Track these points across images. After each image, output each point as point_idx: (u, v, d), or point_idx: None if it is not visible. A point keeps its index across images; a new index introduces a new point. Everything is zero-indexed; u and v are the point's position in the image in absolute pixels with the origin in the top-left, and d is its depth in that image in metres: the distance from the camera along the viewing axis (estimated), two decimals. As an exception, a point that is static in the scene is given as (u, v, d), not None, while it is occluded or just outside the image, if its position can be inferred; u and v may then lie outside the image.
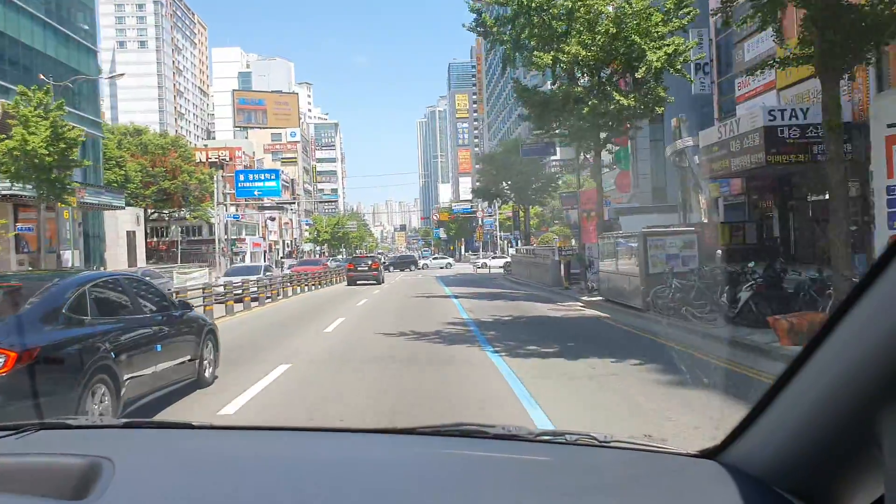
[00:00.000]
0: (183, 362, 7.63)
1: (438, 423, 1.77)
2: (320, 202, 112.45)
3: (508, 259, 41.62)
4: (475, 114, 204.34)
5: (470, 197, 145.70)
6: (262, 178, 47.00)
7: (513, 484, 1.36)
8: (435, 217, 79.54)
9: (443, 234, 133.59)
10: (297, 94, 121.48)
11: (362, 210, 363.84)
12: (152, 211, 66.73)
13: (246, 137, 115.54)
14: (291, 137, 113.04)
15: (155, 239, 70.97)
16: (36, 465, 1.41)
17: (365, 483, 1.38)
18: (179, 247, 65.40)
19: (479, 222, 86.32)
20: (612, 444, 1.55)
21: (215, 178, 49.43)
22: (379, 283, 38.13)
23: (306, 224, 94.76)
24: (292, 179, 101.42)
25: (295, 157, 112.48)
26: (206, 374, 8.32)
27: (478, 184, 47.89)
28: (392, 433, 1.84)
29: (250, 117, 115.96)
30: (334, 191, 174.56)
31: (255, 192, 46.99)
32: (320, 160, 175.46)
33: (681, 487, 1.33)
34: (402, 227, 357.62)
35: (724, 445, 1.34)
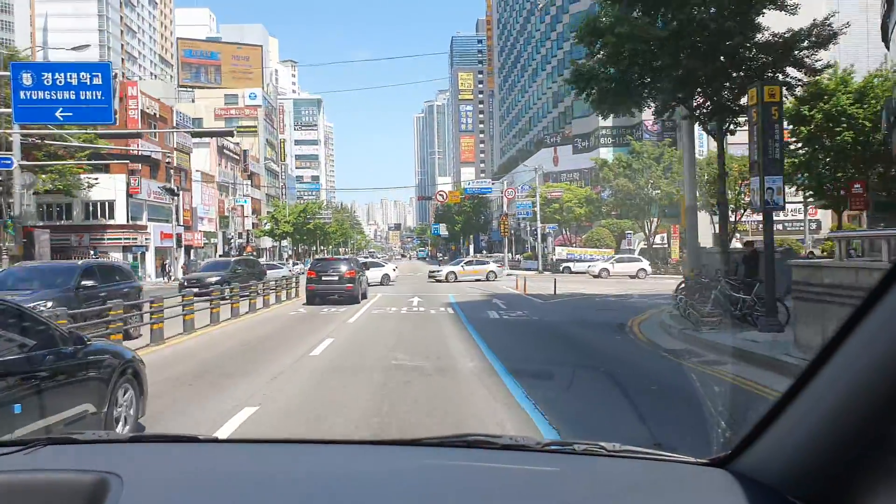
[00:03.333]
0: (75, 417, 5.35)
1: (444, 434, 1.75)
2: (276, 160, 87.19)
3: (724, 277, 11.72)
4: (480, 95, 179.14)
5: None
6: (72, 83, 21.27)
7: (521, 494, 1.35)
8: (440, 199, 53.12)
9: (443, 231, 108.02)
10: (261, 46, 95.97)
11: (356, 209, 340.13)
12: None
13: (192, 101, 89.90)
14: (251, 100, 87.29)
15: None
16: (45, 482, 1.40)
17: (372, 495, 1.36)
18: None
19: (503, 210, 60.14)
20: (620, 454, 1.52)
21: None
22: (357, 301, 22.84)
23: (244, 204, 68.21)
24: (244, 150, 75.40)
25: (254, 127, 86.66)
26: (120, 429, 5.89)
27: (571, 73, 19.63)
28: (398, 445, 1.84)
29: (199, 74, 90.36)
30: (315, 178, 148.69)
31: (59, 114, 21.28)
32: (299, 142, 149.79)
33: (691, 496, 1.32)
34: (397, 226, 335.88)
35: (736, 454, 1.32)
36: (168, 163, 52.92)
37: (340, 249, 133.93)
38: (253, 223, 77.25)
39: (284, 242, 77.19)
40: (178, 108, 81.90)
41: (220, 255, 60.70)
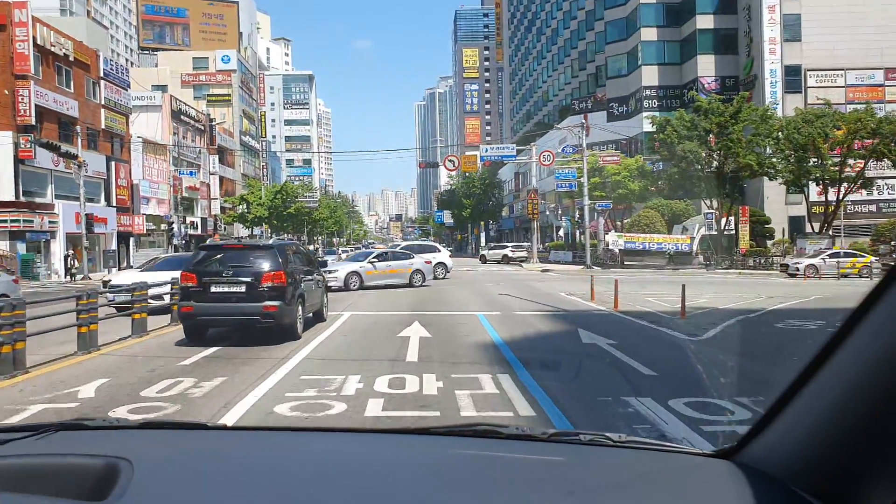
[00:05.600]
0: None
1: (452, 423, 1.68)
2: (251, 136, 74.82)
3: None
4: (487, 74, 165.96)
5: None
6: None
7: (527, 484, 1.35)
8: (450, 166, 39.68)
9: (448, 219, 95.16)
10: (237, 3, 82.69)
11: (356, 199, 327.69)
12: None
13: (156, 65, 77.15)
14: (223, 64, 74.36)
15: None
16: (56, 466, 1.42)
17: (380, 483, 1.37)
18: None
19: (516, 191, 46.98)
20: (626, 444, 1.53)
21: None
22: (293, 336, 10.60)
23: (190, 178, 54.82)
24: (211, 120, 62.58)
25: (227, 95, 73.86)
26: None
27: None
28: (406, 433, 1.86)
29: (163, 34, 77.64)
30: (307, 162, 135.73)
31: None
32: (290, 122, 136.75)
33: (696, 487, 1.31)
34: (398, 217, 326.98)
35: (741, 445, 1.33)
36: (91, 125, 40.19)
37: (334, 240, 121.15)
38: (223, 207, 64.67)
39: (258, 230, 64.53)
40: (134, 73, 69.12)
41: (172, 246, 48.12)
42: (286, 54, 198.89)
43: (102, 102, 41.83)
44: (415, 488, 1.33)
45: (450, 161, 39.11)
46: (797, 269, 32.03)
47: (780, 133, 38.08)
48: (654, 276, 29.10)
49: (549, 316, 14.19)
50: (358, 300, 18.47)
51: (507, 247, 53.40)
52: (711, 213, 36.43)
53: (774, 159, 38.59)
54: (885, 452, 0.99)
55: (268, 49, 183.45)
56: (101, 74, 41.79)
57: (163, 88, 67.55)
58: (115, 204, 42.61)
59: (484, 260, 50.36)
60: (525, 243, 62.69)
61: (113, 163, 42.64)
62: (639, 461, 1.46)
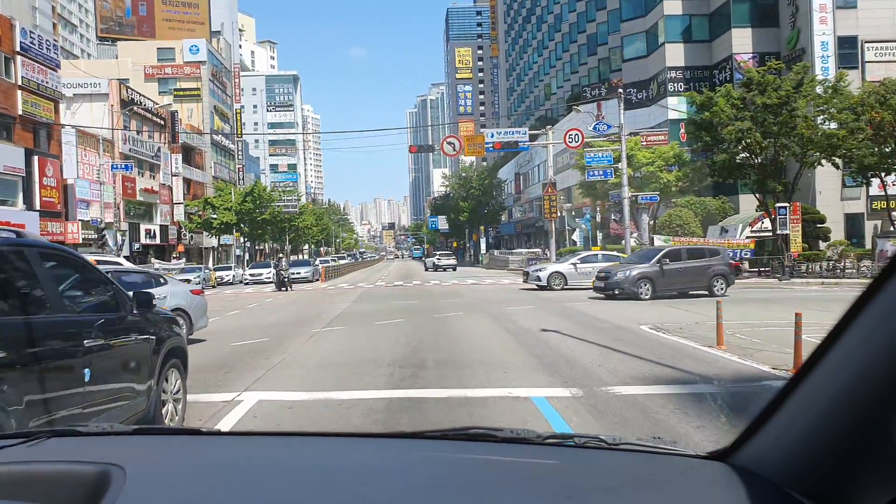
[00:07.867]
0: None
1: (447, 427, 1.74)
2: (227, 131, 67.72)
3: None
4: (481, 74, 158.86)
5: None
6: None
7: (521, 487, 1.35)
8: (450, 150, 31.70)
9: (442, 224, 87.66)
10: (208, -12, 75.19)
11: (348, 208, 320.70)
12: None
13: (116, 57, 69.51)
14: (192, 55, 66.70)
15: None
16: (48, 473, 1.40)
17: (373, 487, 1.37)
18: None
19: (539, 179, 39.07)
20: (620, 447, 1.53)
21: None
22: None
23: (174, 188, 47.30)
24: (172, 112, 54.78)
25: (196, 90, 66.14)
26: None
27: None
28: (401, 437, 1.85)
29: (123, 23, 69.98)
30: (293, 167, 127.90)
31: None
32: (274, 125, 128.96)
33: (691, 489, 1.31)
34: (391, 226, 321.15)
35: (735, 447, 1.32)
36: (4, 110, 32.43)
37: (322, 251, 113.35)
38: (188, 213, 56.88)
39: (228, 238, 56.69)
40: (91, 66, 61.73)
41: (125, 256, 40.18)
42: (272, 58, 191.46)
43: (19, 83, 34.11)
44: (409, 492, 1.30)
45: (449, 144, 31.50)
46: (538, 279, 24.12)
47: (859, 108, 30.64)
48: (730, 293, 21.51)
49: (691, 399, 6.51)
50: (300, 351, 10.72)
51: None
52: (785, 208, 28.80)
53: (852, 141, 31.08)
54: (879, 455, 0.98)
55: (252, 52, 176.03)
56: (18, 48, 34.07)
57: (125, 82, 59.79)
58: (38, 207, 34.83)
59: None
60: (524, 249, 55.42)
61: (36, 157, 34.89)
62: (633, 463, 1.45)
